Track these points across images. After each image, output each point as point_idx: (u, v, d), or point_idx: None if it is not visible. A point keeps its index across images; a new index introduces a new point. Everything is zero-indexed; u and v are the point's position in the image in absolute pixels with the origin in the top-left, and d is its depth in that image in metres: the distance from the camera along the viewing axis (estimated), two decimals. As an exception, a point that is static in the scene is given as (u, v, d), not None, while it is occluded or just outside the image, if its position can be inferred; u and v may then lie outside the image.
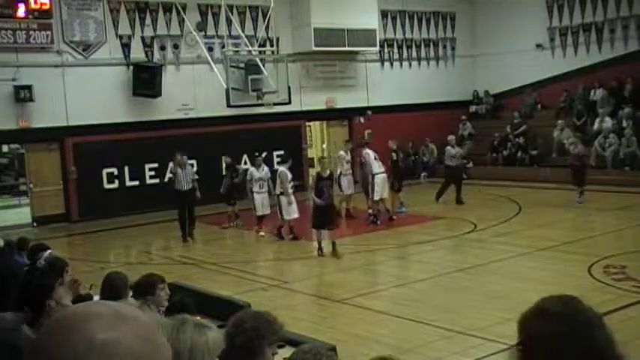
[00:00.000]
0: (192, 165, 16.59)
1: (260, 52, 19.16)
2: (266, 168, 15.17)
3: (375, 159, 15.56)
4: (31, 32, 16.76)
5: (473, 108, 24.94)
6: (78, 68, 17.61)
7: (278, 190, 14.08)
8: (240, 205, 15.88)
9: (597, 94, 21.54)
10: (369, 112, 21.76)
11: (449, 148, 17.80)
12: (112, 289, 5.00)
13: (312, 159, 24.48)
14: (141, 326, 1.16)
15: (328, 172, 13.10)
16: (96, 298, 5.40)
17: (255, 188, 14.73)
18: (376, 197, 15.36)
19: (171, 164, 16.47)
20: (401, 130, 20.62)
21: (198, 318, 1.66)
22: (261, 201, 14.67)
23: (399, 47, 23.93)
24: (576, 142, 17.30)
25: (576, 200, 16.49)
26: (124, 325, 1.13)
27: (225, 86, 17.68)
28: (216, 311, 5.69)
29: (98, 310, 1.15)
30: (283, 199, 13.83)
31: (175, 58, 19.18)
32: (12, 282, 5.15)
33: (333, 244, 12.36)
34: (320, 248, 12.51)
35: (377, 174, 15.31)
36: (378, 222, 15.26)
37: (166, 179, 16.67)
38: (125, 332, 1.12)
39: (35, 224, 17.33)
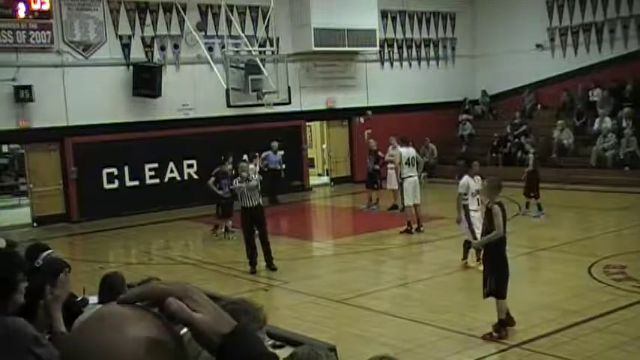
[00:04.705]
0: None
1: (260, 52, 19.15)
2: None
3: (408, 163, 14.20)
4: (31, 32, 16.75)
5: (476, 109, 24.98)
6: (78, 68, 17.60)
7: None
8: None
9: (597, 94, 21.55)
10: (369, 112, 21.76)
11: None
12: (111, 289, 4.99)
13: (313, 159, 24.53)
14: (169, 326, 1.16)
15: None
16: (93, 298, 5.40)
17: (473, 205, 10.69)
18: (408, 203, 14.13)
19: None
20: (401, 131, 20.61)
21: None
22: (478, 220, 10.24)
23: (399, 47, 23.93)
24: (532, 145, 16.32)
25: (535, 215, 14.92)
26: (160, 324, 1.13)
27: (225, 86, 17.68)
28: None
29: (127, 312, 1.13)
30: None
31: (175, 58, 19.18)
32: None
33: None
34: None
35: (405, 178, 14.13)
36: (413, 231, 13.99)
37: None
38: (165, 332, 1.12)
39: (35, 224, 17.33)
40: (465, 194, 10.68)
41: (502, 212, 7.85)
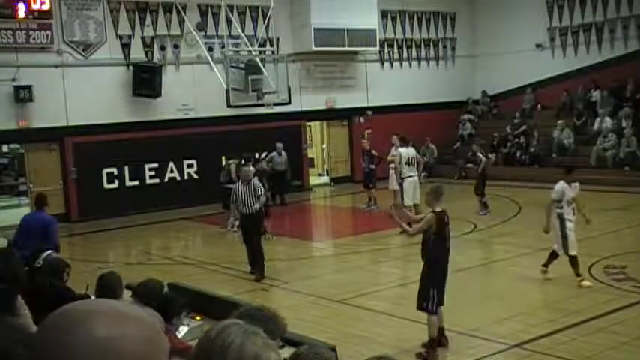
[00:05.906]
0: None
1: (260, 52, 19.14)
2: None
3: (407, 163, 14.42)
4: (31, 32, 16.75)
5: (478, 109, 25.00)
6: (78, 68, 17.60)
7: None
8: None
9: (597, 94, 21.56)
10: (369, 112, 21.76)
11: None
12: (107, 288, 5.03)
13: (313, 159, 24.52)
14: (143, 325, 1.15)
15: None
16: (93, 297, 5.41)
17: (568, 214, 9.76)
18: (407, 203, 14.18)
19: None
20: (401, 131, 20.61)
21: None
22: (573, 231, 9.83)
23: (399, 47, 23.93)
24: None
25: (482, 213, 15.65)
26: (127, 322, 1.13)
27: (225, 86, 17.67)
28: (216, 311, 5.68)
29: (100, 307, 1.14)
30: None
31: (175, 58, 19.18)
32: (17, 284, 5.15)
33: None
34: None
35: (405, 178, 14.31)
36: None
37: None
38: (128, 330, 1.12)
39: (35, 224, 17.30)
40: (560, 201, 9.70)
41: (440, 222, 7.29)
